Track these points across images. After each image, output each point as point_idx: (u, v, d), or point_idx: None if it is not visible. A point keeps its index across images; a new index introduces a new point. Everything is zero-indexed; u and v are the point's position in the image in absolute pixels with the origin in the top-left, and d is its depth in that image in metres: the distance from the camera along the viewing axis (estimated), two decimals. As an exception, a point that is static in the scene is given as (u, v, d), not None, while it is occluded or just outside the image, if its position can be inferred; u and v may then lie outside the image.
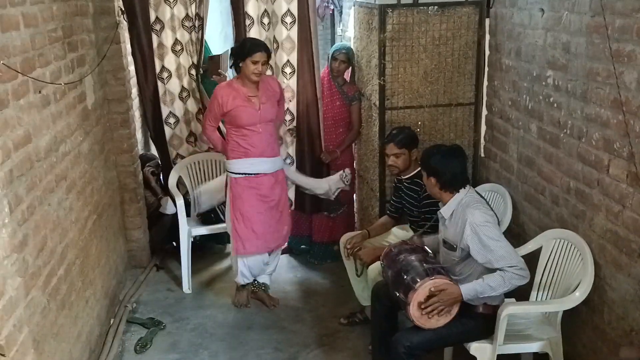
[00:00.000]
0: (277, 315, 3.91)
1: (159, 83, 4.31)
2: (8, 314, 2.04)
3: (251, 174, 3.72)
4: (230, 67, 3.78)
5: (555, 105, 3.08)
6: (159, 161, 4.69)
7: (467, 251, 2.76)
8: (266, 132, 3.71)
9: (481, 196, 2.91)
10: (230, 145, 3.74)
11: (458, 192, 2.85)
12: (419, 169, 3.46)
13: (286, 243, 4.66)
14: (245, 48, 3.58)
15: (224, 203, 4.13)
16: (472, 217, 2.72)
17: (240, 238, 3.80)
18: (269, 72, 4.11)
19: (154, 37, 4.18)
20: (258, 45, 3.59)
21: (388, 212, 3.78)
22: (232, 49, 3.76)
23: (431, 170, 2.88)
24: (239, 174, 3.72)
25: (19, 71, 2.38)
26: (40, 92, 2.68)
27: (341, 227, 4.48)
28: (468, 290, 2.67)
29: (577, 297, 2.72)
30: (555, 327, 2.85)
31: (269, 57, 3.63)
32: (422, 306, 2.65)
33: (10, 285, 2.08)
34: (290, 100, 4.31)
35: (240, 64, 3.60)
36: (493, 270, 2.69)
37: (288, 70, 4.24)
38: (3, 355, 1.96)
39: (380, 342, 3.13)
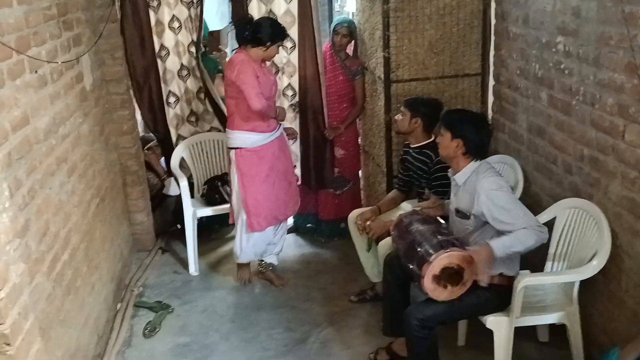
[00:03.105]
0: (286, 295, 3.87)
1: (159, 62, 4.21)
2: (12, 302, 1.97)
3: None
4: (239, 40, 3.63)
5: (566, 71, 3.00)
6: (158, 142, 4.61)
7: (481, 219, 2.70)
8: (272, 106, 3.70)
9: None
10: (238, 115, 3.63)
11: (476, 160, 2.79)
12: (429, 140, 3.40)
13: (292, 222, 4.63)
14: (281, 33, 3.60)
15: (227, 183, 4.07)
16: (486, 184, 2.66)
17: (253, 214, 3.74)
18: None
19: (152, 14, 4.07)
20: (286, 32, 3.69)
21: (397, 186, 3.71)
22: (257, 24, 3.57)
23: (460, 133, 2.76)
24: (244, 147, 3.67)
25: (14, 48, 2.29)
26: (36, 71, 2.59)
27: (347, 204, 4.42)
28: (498, 245, 2.58)
29: (595, 266, 2.66)
30: (572, 297, 2.80)
31: None
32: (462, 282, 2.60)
33: (14, 272, 2.01)
34: (291, 76, 4.23)
35: (269, 46, 3.54)
36: None
37: (289, 44, 4.14)
38: (8, 344, 1.89)
39: (391, 315, 3.09)
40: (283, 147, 3.87)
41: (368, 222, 3.41)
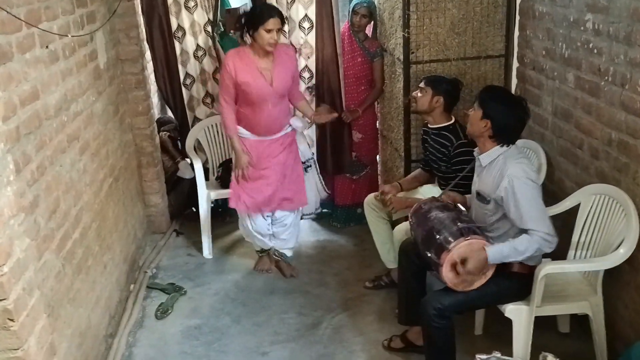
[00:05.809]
0: (300, 280, 3.81)
1: (176, 42, 4.16)
2: (16, 277, 1.93)
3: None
4: (242, 39, 3.54)
5: (595, 51, 2.86)
6: (177, 124, 4.56)
7: (500, 205, 2.59)
8: (276, 109, 3.48)
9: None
10: (238, 114, 3.55)
11: (502, 146, 2.63)
12: (449, 123, 3.29)
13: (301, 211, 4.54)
14: (256, 16, 3.29)
15: None
16: (514, 169, 2.52)
17: (234, 192, 3.67)
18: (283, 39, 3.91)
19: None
20: (271, 11, 3.29)
21: (421, 165, 3.59)
22: (244, 15, 3.46)
23: (491, 114, 2.61)
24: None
25: (23, 19, 2.23)
26: (47, 46, 2.54)
27: (364, 190, 4.33)
28: (494, 253, 2.48)
29: (621, 254, 2.54)
30: (596, 287, 2.69)
31: (283, 22, 3.35)
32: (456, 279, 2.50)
33: (18, 247, 1.97)
34: (309, 57, 4.14)
35: (254, 34, 3.32)
36: (521, 232, 2.53)
37: (306, 25, 4.05)
38: (12, 320, 1.85)
39: (407, 303, 3.00)
40: (289, 145, 3.67)
41: (389, 196, 3.31)
